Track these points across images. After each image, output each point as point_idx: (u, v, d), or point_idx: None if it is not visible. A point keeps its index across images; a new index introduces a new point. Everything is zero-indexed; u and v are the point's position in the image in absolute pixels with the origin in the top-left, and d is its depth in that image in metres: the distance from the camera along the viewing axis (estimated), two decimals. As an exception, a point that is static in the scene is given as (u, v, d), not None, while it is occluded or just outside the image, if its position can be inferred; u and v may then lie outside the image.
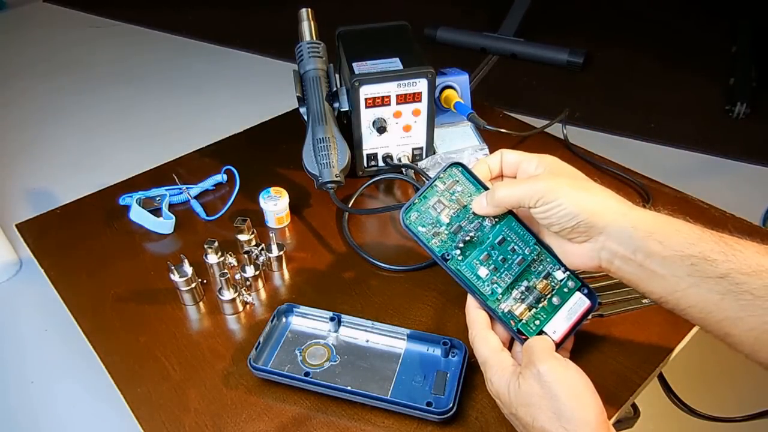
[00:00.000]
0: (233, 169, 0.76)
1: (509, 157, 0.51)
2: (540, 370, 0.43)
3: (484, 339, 0.48)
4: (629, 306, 0.60)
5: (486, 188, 0.51)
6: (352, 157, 0.73)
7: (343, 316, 0.57)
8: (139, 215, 0.71)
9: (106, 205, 0.75)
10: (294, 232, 0.72)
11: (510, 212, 0.50)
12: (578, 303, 0.49)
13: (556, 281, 0.49)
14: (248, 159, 0.81)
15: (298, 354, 0.56)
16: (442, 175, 0.51)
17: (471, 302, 0.50)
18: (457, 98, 0.80)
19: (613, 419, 0.51)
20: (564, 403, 0.42)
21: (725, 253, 0.42)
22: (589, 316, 0.50)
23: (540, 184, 0.46)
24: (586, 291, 0.50)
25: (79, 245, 0.70)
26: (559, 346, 0.48)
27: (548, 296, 0.49)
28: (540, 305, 0.49)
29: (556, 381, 0.42)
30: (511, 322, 0.49)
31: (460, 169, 0.51)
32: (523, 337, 0.49)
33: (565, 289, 0.49)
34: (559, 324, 0.49)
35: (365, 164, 0.78)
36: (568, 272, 0.49)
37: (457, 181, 0.51)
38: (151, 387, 0.54)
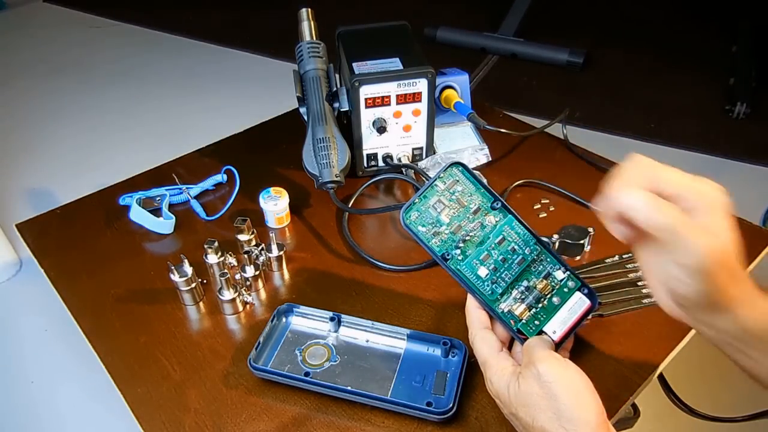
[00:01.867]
0: (233, 169, 0.76)
1: (669, 176, 0.39)
2: (539, 370, 0.43)
3: (484, 339, 0.48)
4: (629, 306, 0.60)
5: (487, 189, 0.50)
6: (352, 157, 0.73)
7: (343, 316, 0.57)
8: (139, 215, 0.71)
9: (106, 205, 0.75)
10: (294, 232, 0.72)
11: (510, 212, 0.50)
12: (578, 303, 0.49)
13: (556, 281, 0.49)
14: (248, 159, 0.81)
15: (298, 354, 0.56)
16: (442, 175, 0.51)
17: (471, 302, 0.50)
18: (457, 98, 0.80)
19: (613, 419, 0.51)
20: (564, 403, 0.42)
21: None
22: (589, 316, 0.50)
23: (704, 245, 0.36)
24: (586, 291, 0.50)
25: (79, 245, 0.70)
26: (558, 346, 0.48)
27: (548, 296, 0.49)
28: (540, 305, 0.49)
29: (555, 381, 0.42)
30: (511, 321, 0.49)
31: (460, 169, 0.51)
32: (523, 336, 0.49)
33: (565, 289, 0.49)
34: (559, 324, 0.49)
35: (365, 164, 0.77)
36: (568, 272, 0.49)
37: (458, 181, 0.51)
38: (151, 387, 0.54)
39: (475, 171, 0.52)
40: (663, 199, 0.38)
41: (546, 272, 0.50)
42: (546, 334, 0.49)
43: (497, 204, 0.50)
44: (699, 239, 0.36)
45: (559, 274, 0.49)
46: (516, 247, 0.50)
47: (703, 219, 0.37)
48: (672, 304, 0.42)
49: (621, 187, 0.38)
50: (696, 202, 0.38)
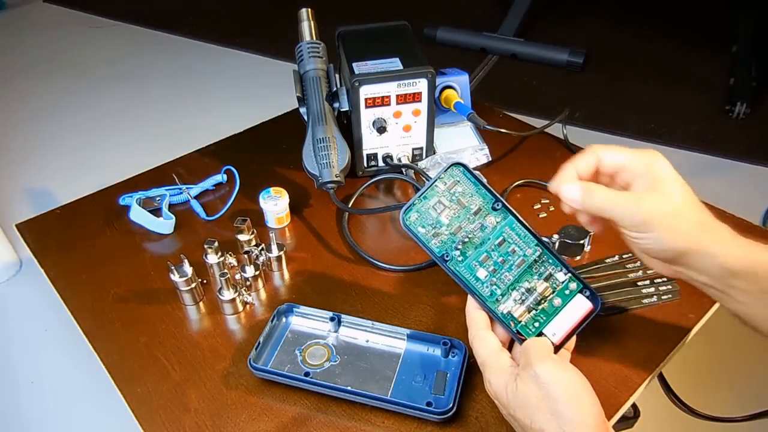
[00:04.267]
0: (233, 169, 0.76)
1: (610, 158, 0.47)
2: (537, 371, 0.43)
3: (483, 339, 0.48)
4: (629, 306, 0.60)
5: (488, 189, 0.50)
6: (352, 157, 0.73)
7: (343, 316, 0.57)
8: (139, 215, 0.71)
9: (106, 205, 0.75)
10: (294, 232, 0.72)
11: (512, 213, 0.50)
12: (580, 305, 0.49)
13: (557, 283, 0.49)
14: (248, 159, 0.81)
15: (298, 354, 0.56)
16: (443, 176, 0.50)
17: (471, 302, 0.50)
18: (457, 98, 0.80)
19: (613, 419, 0.51)
20: (562, 405, 0.42)
21: None
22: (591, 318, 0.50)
23: (639, 214, 0.44)
24: (588, 293, 0.49)
25: (79, 245, 0.70)
26: (558, 348, 0.48)
27: (549, 298, 0.49)
28: (540, 307, 0.49)
29: (553, 383, 0.42)
30: (511, 323, 0.49)
31: (461, 169, 0.50)
32: (523, 338, 0.48)
33: (567, 291, 0.49)
34: (560, 326, 0.48)
35: (365, 164, 0.77)
36: (569, 274, 0.49)
37: (458, 182, 0.50)
38: (151, 387, 0.54)
39: (475, 171, 0.51)
40: (610, 176, 0.47)
41: (547, 274, 0.49)
42: (546, 336, 0.48)
43: (498, 205, 0.50)
44: (633, 203, 0.44)
45: (561, 276, 0.49)
46: (516, 248, 0.50)
47: (643, 182, 0.45)
48: (659, 263, 0.47)
49: (559, 182, 0.47)
50: (636, 170, 0.45)
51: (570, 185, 0.46)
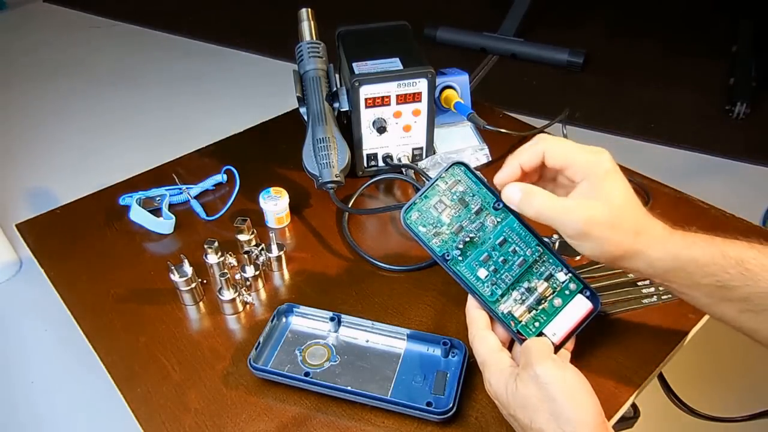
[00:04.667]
0: (233, 169, 0.76)
1: (555, 153, 0.46)
2: (537, 371, 0.43)
3: (483, 339, 0.48)
4: (629, 306, 0.60)
5: (490, 189, 0.50)
6: (352, 157, 0.73)
7: (343, 316, 0.57)
8: (139, 215, 0.71)
9: (106, 205, 0.75)
10: (294, 232, 0.72)
11: (511, 212, 0.50)
12: (580, 306, 0.49)
13: (558, 283, 0.49)
14: (248, 159, 0.81)
15: (298, 354, 0.56)
16: (444, 175, 0.50)
17: (471, 302, 0.50)
18: (457, 98, 0.80)
19: (613, 419, 0.51)
20: (561, 405, 0.42)
21: (744, 279, 0.43)
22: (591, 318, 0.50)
23: (576, 223, 0.44)
24: (588, 293, 0.49)
25: (79, 245, 0.70)
26: (558, 348, 0.48)
27: (549, 298, 0.49)
28: (540, 307, 0.49)
29: (553, 383, 0.42)
30: (511, 323, 0.49)
31: (462, 168, 0.50)
32: (523, 338, 0.48)
33: (567, 291, 0.49)
34: (560, 326, 0.48)
35: (365, 164, 0.77)
36: (570, 274, 0.49)
37: (459, 181, 0.50)
38: (151, 387, 0.54)
39: (476, 171, 0.51)
40: (556, 170, 0.47)
41: (548, 274, 0.49)
42: (546, 336, 0.48)
43: (499, 204, 0.50)
44: (571, 213, 0.44)
45: (561, 276, 0.49)
46: (517, 248, 0.50)
47: (585, 184, 0.45)
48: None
49: (502, 180, 0.48)
50: (581, 171, 0.45)
51: (511, 187, 0.47)
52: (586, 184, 0.45)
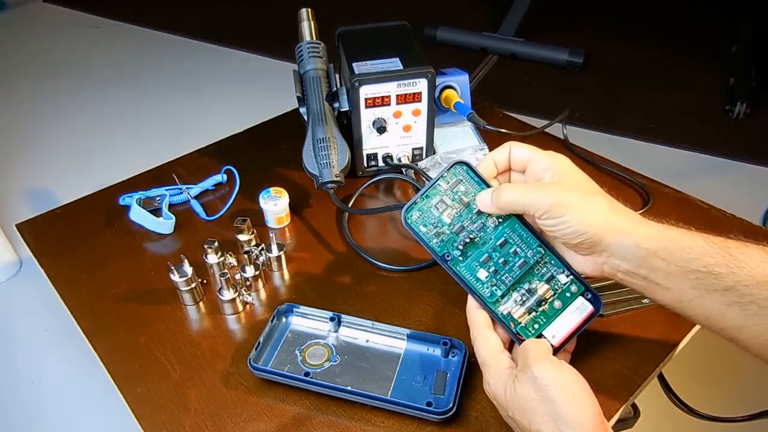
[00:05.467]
0: (233, 169, 0.76)
1: (518, 152, 0.49)
2: (535, 373, 0.43)
3: (485, 339, 0.48)
4: (629, 306, 0.60)
5: (490, 188, 0.50)
6: (352, 157, 0.73)
7: (343, 316, 0.57)
8: (139, 215, 0.71)
9: (106, 205, 0.75)
10: (294, 232, 0.72)
11: (513, 213, 0.50)
12: (580, 308, 0.49)
13: (558, 285, 0.49)
14: (248, 159, 0.81)
15: (298, 354, 0.56)
16: (445, 174, 0.50)
17: (471, 302, 0.50)
18: (457, 98, 0.80)
19: (613, 419, 0.51)
20: (560, 406, 0.42)
21: (729, 266, 0.42)
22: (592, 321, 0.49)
23: (548, 197, 0.45)
24: (589, 296, 0.49)
25: (79, 245, 0.70)
26: (558, 350, 0.48)
27: (550, 300, 0.49)
28: (541, 309, 0.49)
29: (551, 384, 0.42)
30: (511, 324, 0.49)
31: (464, 168, 0.50)
32: (522, 339, 0.48)
33: (568, 294, 0.49)
34: (560, 329, 0.48)
35: (365, 164, 0.77)
36: (571, 276, 0.49)
37: (461, 180, 0.50)
38: (151, 387, 0.54)
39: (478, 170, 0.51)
40: (521, 171, 0.50)
41: (549, 275, 0.49)
42: (545, 338, 0.48)
43: None
44: (542, 189, 0.46)
45: (563, 278, 0.49)
46: (518, 249, 0.49)
47: (549, 174, 0.47)
48: (584, 260, 0.48)
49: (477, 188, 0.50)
50: (543, 164, 0.48)
51: (481, 195, 0.49)
52: (550, 174, 0.47)
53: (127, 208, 0.72)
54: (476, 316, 0.49)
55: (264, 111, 0.97)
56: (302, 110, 0.73)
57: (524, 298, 0.49)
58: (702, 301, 0.43)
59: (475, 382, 0.53)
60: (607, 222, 0.45)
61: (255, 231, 0.68)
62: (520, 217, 0.49)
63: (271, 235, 0.66)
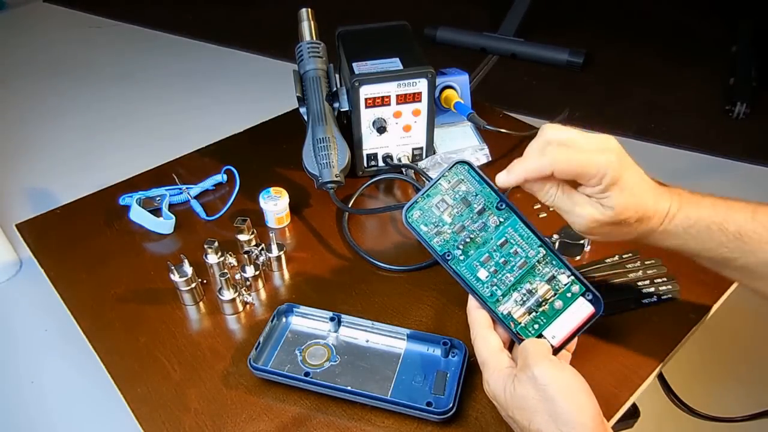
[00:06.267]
0: (233, 169, 0.76)
1: (563, 164, 0.45)
2: (534, 373, 0.43)
3: (485, 339, 0.48)
4: (629, 306, 0.60)
5: (493, 189, 0.49)
6: (352, 157, 0.73)
7: (343, 316, 0.57)
8: (139, 215, 0.71)
9: (106, 205, 0.75)
10: (294, 232, 0.72)
11: (515, 213, 0.49)
12: (581, 309, 0.48)
13: (559, 285, 0.49)
14: (248, 159, 0.81)
15: (298, 354, 0.56)
16: (447, 174, 0.50)
17: (472, 302, 0.50)
18: (457, 98, 0.80)
19: (612, 419, 0.51)
20: (560, 406, 0.42)
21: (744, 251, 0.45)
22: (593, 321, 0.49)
23: (610, 147, 0.44)
24: (590, 297, 0.48)
25: (79, 245, 0.70)
26: (558, 350, 0.48)
27: (550, 300, 0.49)
28: (541, 309, 0.49)
29: (550, 383, 0.42)
30: (511, 323, 0.49)
31: (466, 167, 0.50)
32: (522, 339, 0.48)
33: (569, 294, 0.49)
34: (560, 329, 0.48)
35: (365, 164, 0.78)
36: (573, 276, 0.48)
37: (462, 180, 0.50)
38: (151, 387, 0.54)
39: (480, 170, 0.51)
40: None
41: (550, 275, 0.49)
42: (545, 338, 0.48)
43: (502, 205, 0.49)
44: (594, 153, 0.44)
45: (564, 279, 0.49)
46: (519, 249, 0.49)
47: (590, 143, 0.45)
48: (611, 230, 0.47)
49: (504, 184, 0.48)
50: (595, 179, 0.45)
51: (527, 155, 0.47)
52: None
53: (127, 208, 0.72)
54: (476, 315, 0.49)
55: (264, 111, 0.97)
56: (302, 110, 0.73)
57: (525, 298, 0.49)
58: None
59: (475, 382, 0.53)
60: (662, 189, 0.47)
61: (255, 231, 0.68)
62: (521, 217, 0.49)
63: (271, 235, 0.66)
